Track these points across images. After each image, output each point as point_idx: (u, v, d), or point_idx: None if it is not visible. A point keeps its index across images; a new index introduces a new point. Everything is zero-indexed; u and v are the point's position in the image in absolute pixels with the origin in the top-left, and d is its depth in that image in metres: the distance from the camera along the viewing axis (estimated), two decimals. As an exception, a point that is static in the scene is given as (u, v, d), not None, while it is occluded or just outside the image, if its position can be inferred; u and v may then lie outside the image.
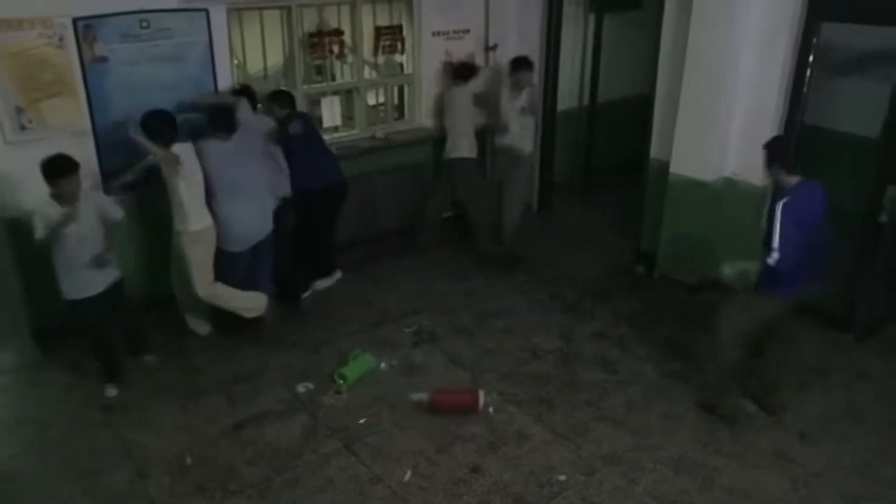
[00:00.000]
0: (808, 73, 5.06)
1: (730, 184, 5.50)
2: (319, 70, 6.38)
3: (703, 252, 5.62)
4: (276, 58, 6.03)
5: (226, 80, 5.34)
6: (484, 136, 6.57)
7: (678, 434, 4.27)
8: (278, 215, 5.23)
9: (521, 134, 6.34)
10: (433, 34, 6.44)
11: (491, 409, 4.45)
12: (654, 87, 5.88)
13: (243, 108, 4.94)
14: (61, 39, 4.65)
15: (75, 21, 4.66)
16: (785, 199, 3.85)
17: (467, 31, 6.62)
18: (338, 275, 6.00)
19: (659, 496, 3.82)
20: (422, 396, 4.46)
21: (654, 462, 4.05)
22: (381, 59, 6.44)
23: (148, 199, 5.02)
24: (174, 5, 4.97)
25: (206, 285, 4.88)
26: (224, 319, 5.14)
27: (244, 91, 5.19)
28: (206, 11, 5.12)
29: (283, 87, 5.71)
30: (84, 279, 4.35)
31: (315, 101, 6.29)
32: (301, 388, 4.66)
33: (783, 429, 4.30)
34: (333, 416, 4.43)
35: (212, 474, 3.96)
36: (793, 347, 4.33)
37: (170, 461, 4.05)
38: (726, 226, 5.53)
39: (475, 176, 6.44)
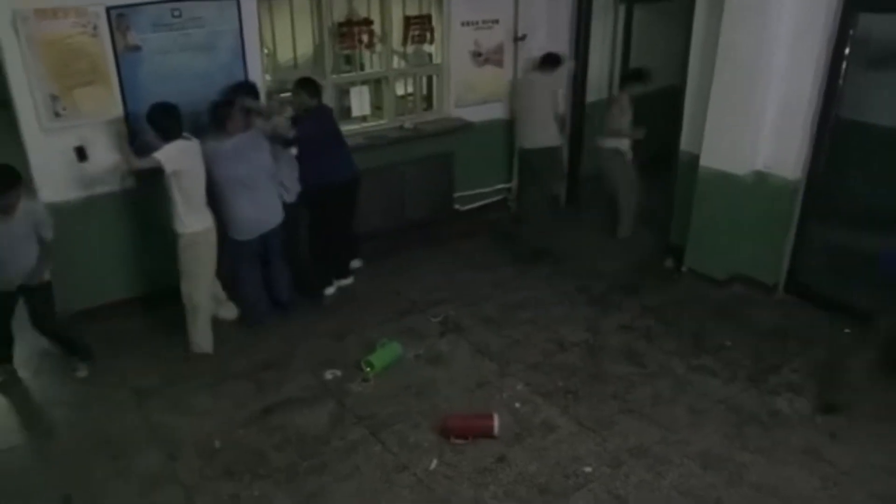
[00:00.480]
0: (844, 65, 4.96)
1: (760, 177, 5.42)
2: (349, 59, 6.41)
3: (733, 246, 5.57)
4: (305, 47, 6.06)
5: (256, 69, 5.37)
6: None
7: (705, 428, 4.24)
8: (291, 213, 5.17)
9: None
10: (462, 24, 6.44)
11: (517, 404, 4.43)
12: (684, 79, 5.82)
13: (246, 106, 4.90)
14: (95, 28, 4.71)
15: (109, 10, 4.72)
16: None
17: (496, 21, 6.60)
18: (357, 263, 5.98)
19: (686, 491, 3.79)
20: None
21: (681, 456, 4.02)
22: (410, 48, 6.46)
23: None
24: (205, -6, 5.00)
25: (192, 289, 4.78)
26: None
27: (244, 88, 5.12)
28: (237, 0, 5.15)
29: (309, 76, 5.66)
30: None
31: (344, 91, 6.31)
32: (328, 376, 4.70)
33: (814, 426, 4.25)
34: (361, 403, 4.46)
35: (240, 458, 4.01)
36: None
37: (199, 445, 4.11)
38: (756, 220, 5.46)
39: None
